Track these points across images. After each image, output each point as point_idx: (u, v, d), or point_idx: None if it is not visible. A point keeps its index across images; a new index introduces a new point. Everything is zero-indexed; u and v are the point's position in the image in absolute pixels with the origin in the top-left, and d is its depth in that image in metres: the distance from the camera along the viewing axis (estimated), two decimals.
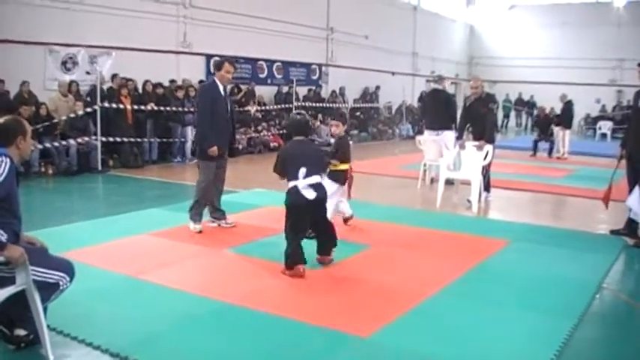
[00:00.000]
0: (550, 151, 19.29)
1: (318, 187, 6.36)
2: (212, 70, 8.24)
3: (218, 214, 8.38)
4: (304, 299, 5.60)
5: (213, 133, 7.85)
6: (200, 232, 7.95)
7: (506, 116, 35.40)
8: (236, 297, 5.51)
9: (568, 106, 19.47)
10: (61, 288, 4.32)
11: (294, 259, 6.19)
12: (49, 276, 4.23)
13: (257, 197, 10.48)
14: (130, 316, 5.13)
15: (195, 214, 8.09)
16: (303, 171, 6.27)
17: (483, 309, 5.44)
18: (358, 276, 6.28)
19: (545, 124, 19.92)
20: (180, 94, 15.90)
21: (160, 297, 5.58)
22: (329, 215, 6.99)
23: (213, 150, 7.81)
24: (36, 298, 4.15)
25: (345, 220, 8.40)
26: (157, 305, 5.39)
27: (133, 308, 5.31)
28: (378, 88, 27.28)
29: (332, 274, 6.32)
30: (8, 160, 4.07)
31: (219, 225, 8.29)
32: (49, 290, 4.26)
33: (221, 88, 7.95)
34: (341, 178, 7.99)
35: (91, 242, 7.35)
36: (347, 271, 6.42)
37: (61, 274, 4.30)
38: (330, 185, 7.45)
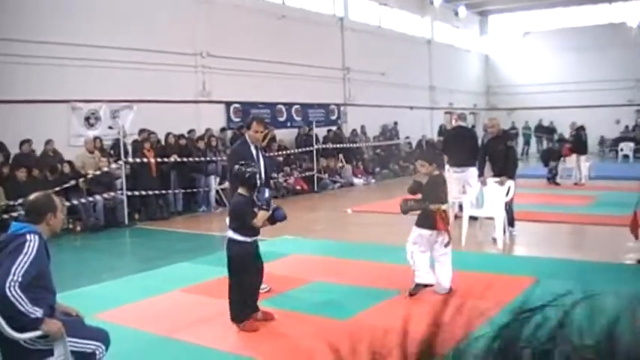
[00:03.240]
0: (552, 178, 19.32)
1: None
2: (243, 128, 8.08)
3: None
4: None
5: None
6: (269, 290, 7.63)
7: (527, 143, 35.33)
8: (268, 355, 5.57)
9: (579, 132, 19.45)
10: (97, 357, 4.42)
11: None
12: (86, 346, 4.34)
13: (283, 245, 10.52)
14: None
15: None
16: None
17: None
18: (388, 324, 6.27)
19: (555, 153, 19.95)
20: (201, 144, 16.09)
21: (193, 356, 5.66)
22: (416, 267, 6.95)
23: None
24: None
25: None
26: None
27: None
28: (396, 123, 27.42)
29: (362, 324, 6.33)
30: (37, 237, 4.22)
31: None
32: None
33: (252, 147, 7.83)
34: (427, 220, 7.10)
35: (122, 302, 7.46)
36: (377, 320, 6.42)
37: (97, 343, 4.41)
38: (413, 230, 7.20)
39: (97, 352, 4.41)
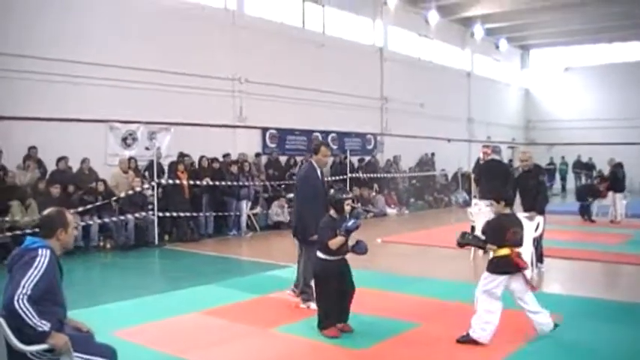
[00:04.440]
0: (586, 214, 19.06)
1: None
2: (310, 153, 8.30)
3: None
4: None
5: (316, 219, 7.36)
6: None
7: (563, 179, 34.94)
8: None
9: (616, 169, 19.16)
10: None
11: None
12: None
13: None
14: None
15: (309, 295, 8.01)
16: None
17: None
18: (405, 357, 6.23)
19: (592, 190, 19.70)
20: (234, 168, 16.16)
21: None
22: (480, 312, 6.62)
23: (314, 238, 7.43)
24: None
25: None
26: None
27: None
28: (433, 155, 27.30)
29: (379, 355, 6.29)
30: (48, 251, 4.29)
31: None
32: None
33: (319, 171, 8.08)
34: (499, 265, 6.66)
35: (141, 321, 7.48)
36: (396, 353, 6.36)
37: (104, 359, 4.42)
38: (484, 276, 6.77)
39: None
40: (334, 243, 6.66)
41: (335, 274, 6.82)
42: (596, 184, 20.07)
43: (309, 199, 7.98)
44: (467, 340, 6.54)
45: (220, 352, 6.35)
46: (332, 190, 7.12)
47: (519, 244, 6.74)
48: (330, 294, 6.79)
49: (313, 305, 7.78)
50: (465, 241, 6.99)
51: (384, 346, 6.55)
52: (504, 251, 6.62)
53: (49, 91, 14.27)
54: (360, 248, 6.89)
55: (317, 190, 7.98)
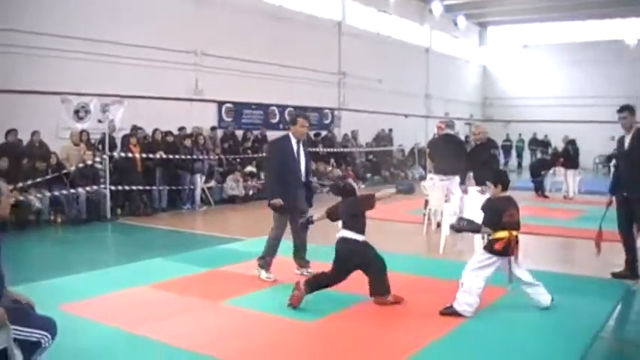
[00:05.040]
0: (540, 190, 19.38)
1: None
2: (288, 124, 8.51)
3: (302, 262, 8.49)
4: (302, 355, 5.56)
5: (280, 186, 8.03)
6: (275, 280, 8.05)
7: (519, 156, 35.40)
8: (229, 354, 5.47)
9: (569, 146, 19.40)
10: (42, 346, 4.32)
11: None
12: (31, 335, 4.24)
13: (261, 246, 10.29)
14: None
15: (263, 264, 8.22)
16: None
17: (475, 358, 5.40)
18: (352, 328, 6.23)
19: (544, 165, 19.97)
20: (188, 141, 15.99)
21: (151, 353, 5.56)
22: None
23: (276, 202, 7.98)
24: (17, 357, 4.16)
25: None
26: None
27: None
28: (391, 130, 27.35)
29: (326, 328, 6.28)
30: None
31: (302, 273, 8.29)
32: (30, 349, 4.26)
33: (294, 141, 8.17)
34: (494, 247, 6.64)
35: (90, 294, 7.36)
36: (343, 325, 6.36)
37: (43, 332, 4.31)
38: (478, 253, 6.92)
39: (43, 342, 4.31)
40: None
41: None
42: (549, 160, 20.30)
43: (273, 166, 8.21)
44: (451, 312, 6.59)
45: (167, 326, 6.27)
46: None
47: (517, 226, 6.73)
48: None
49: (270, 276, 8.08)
50: (460, 227, 7.07)
51: (333, 318, 6.55)
52: (502, 234, 6.63)
53: None
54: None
55: (286, 159, 8.10)
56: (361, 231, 7.05)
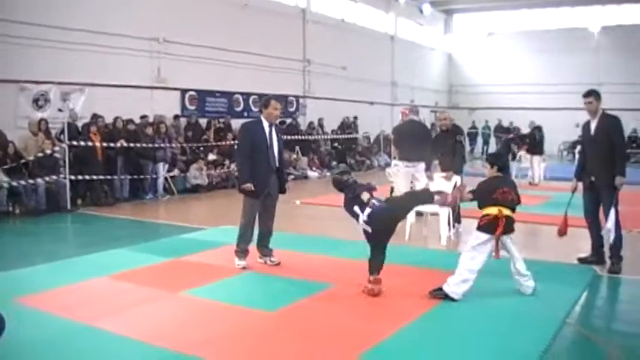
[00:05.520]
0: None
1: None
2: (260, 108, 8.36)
3: (265, 250, 8.33)
4: (258, 346, 5.42)
5: (252, 171, 7.94)
6: (244, 268, 7.98)
7: (486, 143, 35.56)
8: (186, 345, 5.33)
9: (535, 132, 19.46)
10: None
11: None
12: None
13: (223, 235, 10.16)
14: None
15: (237, 251, 8.12)
16: None
17: (438, 353, 5.29)
18: (313, 318, 6.12)
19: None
20: (150, 130, 15.72)
21: (109, 345, 5.41)
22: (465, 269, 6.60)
23: (246, 187, 7.90)
24: None
25: None
26: (105, 355, 5.24)
27: (80, 358, 5.16)
28: (356, 118, 27.25)
29: (288, 317, 6.16)
30: None
31: (265, 262, 8.23)
32: None
33: (266, 125, 8.06)
34: (487, 225, 6.65)
35: (48, 286, 7.18)
36: (306, 314, 6.27)
37: None
38: (475, 235, 6.78)
39: None
40: None
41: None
42: (514, 145, 20.32)
43: (244, 149, 8.11)
44: (439, 294, 6.57)
45: (125, 317, 6.12)
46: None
47: (509, 204, 6.68)
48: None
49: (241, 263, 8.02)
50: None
51: (294, 307, 6.45)
52: (491, 210, 6.62)
53: None
54: None
55: (257, 142, 8.00)
56: None
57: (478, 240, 6.65)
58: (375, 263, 6.82)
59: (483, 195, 6.77)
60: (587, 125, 8.73)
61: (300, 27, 25.17)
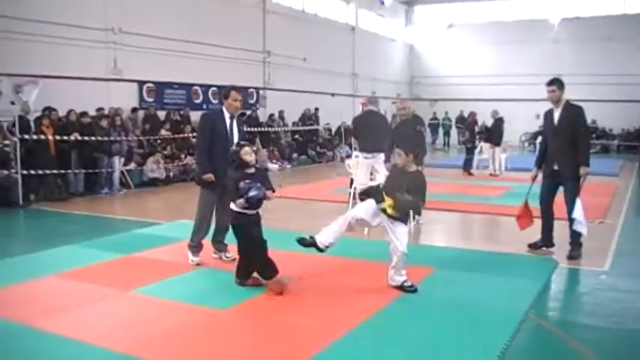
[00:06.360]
0: (468, 166, 19.39)
1: None
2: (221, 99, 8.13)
3: (220, 246, 8.13)
4: (205, 346, 5.22)
5: (210, 162, 7.75)
6: (198, 264, 7.79)
7: (447, 134, 35.71)
8: (130, 346, 5.12)
9: (498, 123, 19.46)
10: None
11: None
12: None
13: (179, 230, 9.87)
14: None
15: (191, 246, 7.93)
16: None
17: (394, 351, 5.10)
18: (265, 316, 5.94)
19: (472, 129, 19.99)
20: (104, 123, 15.34)
21: (53, 347, 5.18)
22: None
23: (207, 177, 7.70)
24: None
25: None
26: (42, 356, 5.02)
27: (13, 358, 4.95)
28: (317, 110, 27.06)
29: (237, 315, 6.00)
30: None
31: (220, 257, 8.06)
32: None
33: (227, 116, 7.85)
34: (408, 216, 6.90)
35: None
36: (259, 311, 6.09)
37: None
38: (405, 230, 6.68)
39: None
40: (238, 206, 6.55)
41: (252, 224, 6.68)
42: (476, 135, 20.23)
43: (203, 140, 7.92)
44: (410, 288, 6.56)
45: (72, 318, 5.87)
46: (233, 147, 6.97)
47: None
48: (257, 245, 6.65)
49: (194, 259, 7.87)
50: (366, 194, 6.89)
51: (248, 304, 6.28)
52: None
53: None
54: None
55: (216, 133, 7.79)
56: None
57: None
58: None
59: (388, 188, 6.73)
60: (549, 114, 8.71)
61: (260, 17, 24.90)
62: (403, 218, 6.69)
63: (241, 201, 6.44)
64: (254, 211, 6.66)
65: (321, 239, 6.74)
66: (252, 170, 6.76)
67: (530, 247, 8.79)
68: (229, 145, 7.59)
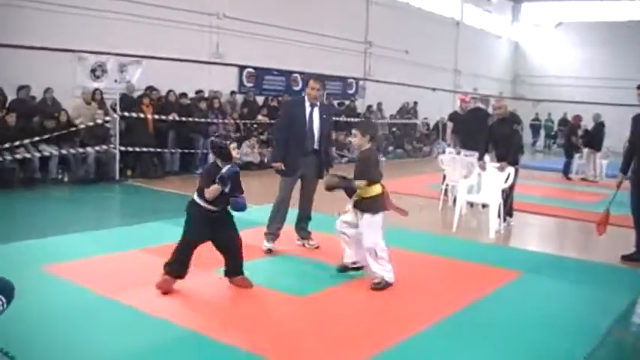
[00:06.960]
0: (567, 170, 18.74)
1: None
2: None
3: (303, 233, 8.16)
4: (288, 330, 5.20)
5: (286, 150, 7.75)
6: (269, 250, 7.75)
7: (548, 136, 34.67)
8: (206, 326, 5.14)
9: (599, 127, 18.78)
10: None
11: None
12: None
13: (265, 214, 9.94)
14: (85, 338, 4.82)
15: (267, 233, 7.92)
16: None
17: (467, 354, 4.90)
18: (342, 308, 5.82)
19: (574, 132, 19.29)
20: (203, 105, 15.59)
21: (124, 319, 5.27)
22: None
23: (276, 165, 7.79)
24: None
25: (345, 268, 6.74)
26: (117, 329, 5.08)
27: (90, 330, 4.99)
28: (416, 103, 26.78)
29: (314, 305, 5.93)
30: None
31: (303, 245, 8.09)
32: None
33: (307, 104, 7.76)
34: (376, 204, 6.38)
35: (77, 256, 7.09)
36: (333, 302, 6.02)
37: None
38: (368, 220, 6.35)
39: None
40: (210, 191, 5.93)
41: (200, 223, 6.23)
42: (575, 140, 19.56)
43: (281, 127, 8.02)
44: (384, 286, 6.28)
45: (150, 293, 5.93)
46: (212, 138, 6.64)
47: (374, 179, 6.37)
48: (185, 241, 6.25)
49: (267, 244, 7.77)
50: (332, 184, 6.57)
51: (327, 293, 6.24)
52: (377, 188, 6.36)
53: (12, 17, 13.58)
54: (235, 204, 6.08)
55: (295, 121, 7.76)
56: None
57: (379, 224, 6.35)
58: None
59: (370, 171, 6.38)
60: (637, 119, 8.30)
61: (363, 8, 24.80)
62: (368, 207, 6.36)
63: (215, 186, 5.87)
64: (217, 208, 6.15)
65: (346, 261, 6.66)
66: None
67: (624, 258, 8.35)
68: (306, 135, 7.63)
